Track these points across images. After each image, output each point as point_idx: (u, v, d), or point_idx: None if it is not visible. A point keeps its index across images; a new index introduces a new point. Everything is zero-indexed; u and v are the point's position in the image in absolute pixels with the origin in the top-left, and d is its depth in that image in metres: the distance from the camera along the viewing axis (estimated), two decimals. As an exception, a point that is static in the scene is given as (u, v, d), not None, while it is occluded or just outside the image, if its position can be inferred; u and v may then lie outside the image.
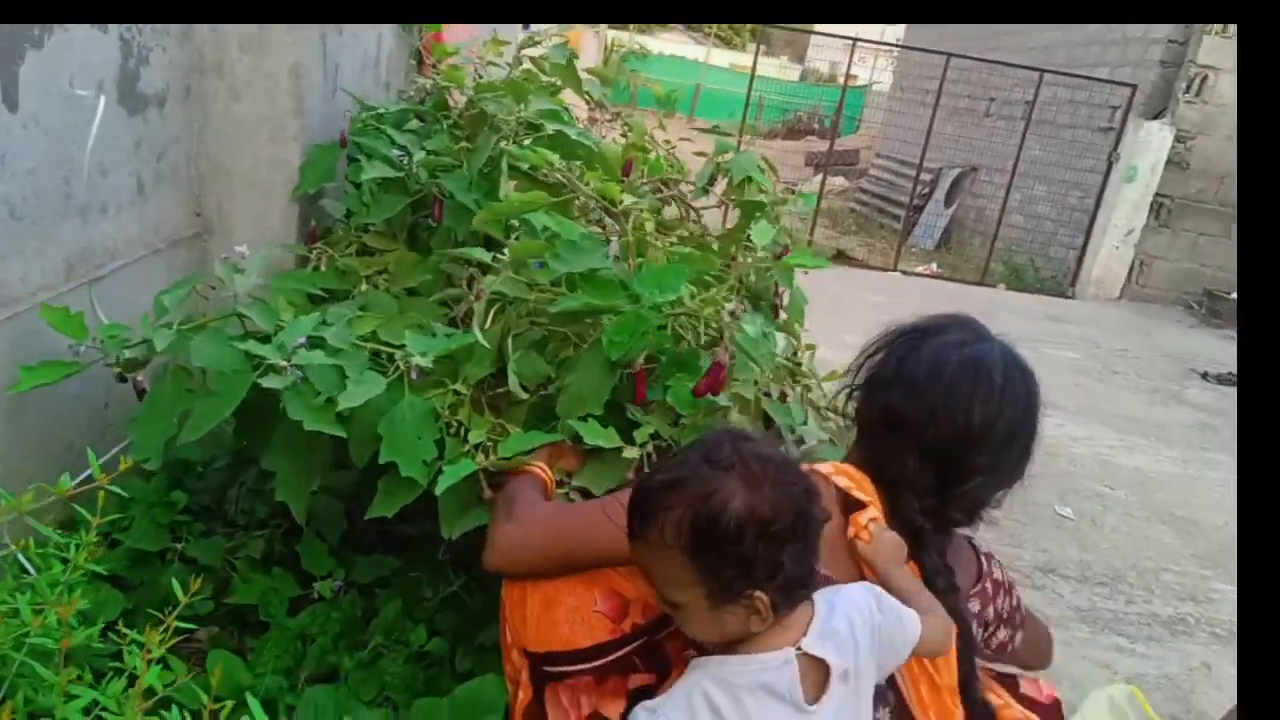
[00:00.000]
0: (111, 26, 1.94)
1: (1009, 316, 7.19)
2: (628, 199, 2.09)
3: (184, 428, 1.69)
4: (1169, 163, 9.48)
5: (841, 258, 10.17)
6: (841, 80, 13.07)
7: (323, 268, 2.24)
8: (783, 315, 2.46)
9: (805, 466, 1.51)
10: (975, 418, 1.46)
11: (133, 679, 1.21)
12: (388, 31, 3.13)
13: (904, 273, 10.21)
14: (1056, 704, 2.00)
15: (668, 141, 2.81)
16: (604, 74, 3.09)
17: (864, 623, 1.25)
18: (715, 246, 2.45)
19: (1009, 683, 2.01)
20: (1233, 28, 8.78)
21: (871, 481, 1.50)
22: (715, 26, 32.57)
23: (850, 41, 10.88)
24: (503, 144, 2.30)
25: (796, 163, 15.52)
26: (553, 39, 2.77)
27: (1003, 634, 1.75)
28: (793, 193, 2.97)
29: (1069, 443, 5.06)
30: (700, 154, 2.63)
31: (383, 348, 1.77)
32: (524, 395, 1.82)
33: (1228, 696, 2.92)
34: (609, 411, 1.74)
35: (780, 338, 2.21)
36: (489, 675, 1.70)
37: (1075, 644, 3.11)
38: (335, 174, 2.49)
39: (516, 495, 1.59)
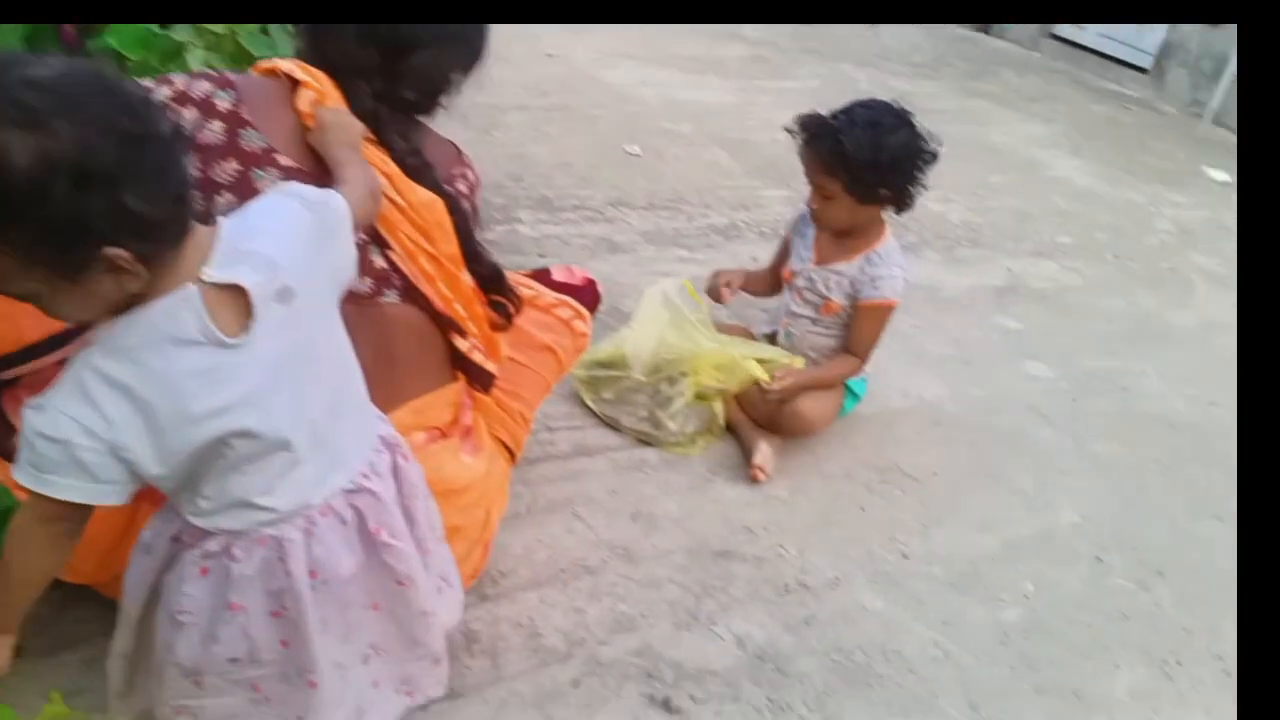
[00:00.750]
0: None
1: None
2: None
3: None
4: None
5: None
6: None
7: None
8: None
9: (263, 66, 1.40)
10: None
11: None
12: None
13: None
14: (591, 283, 2.15)
15: None
16: None
17: (292, 230, 1.15)
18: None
19: (540, 275, 2.11)
20: None
21: (328, 77, 1.44)
22: None
23: None
24: None
25: None
26: None
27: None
28: None
29: (639, 88, 5.21)
30: None
31: None
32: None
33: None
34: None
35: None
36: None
37: (643, 262, 3.35)
38: None
39: None
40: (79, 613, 1.57)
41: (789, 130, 2.35)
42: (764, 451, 2.35)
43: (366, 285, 1.53)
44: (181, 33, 1.50)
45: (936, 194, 4.59)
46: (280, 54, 1.71)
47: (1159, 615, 2.11)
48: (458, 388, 1.72)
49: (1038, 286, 3.75)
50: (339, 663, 1.29)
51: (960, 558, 2.19)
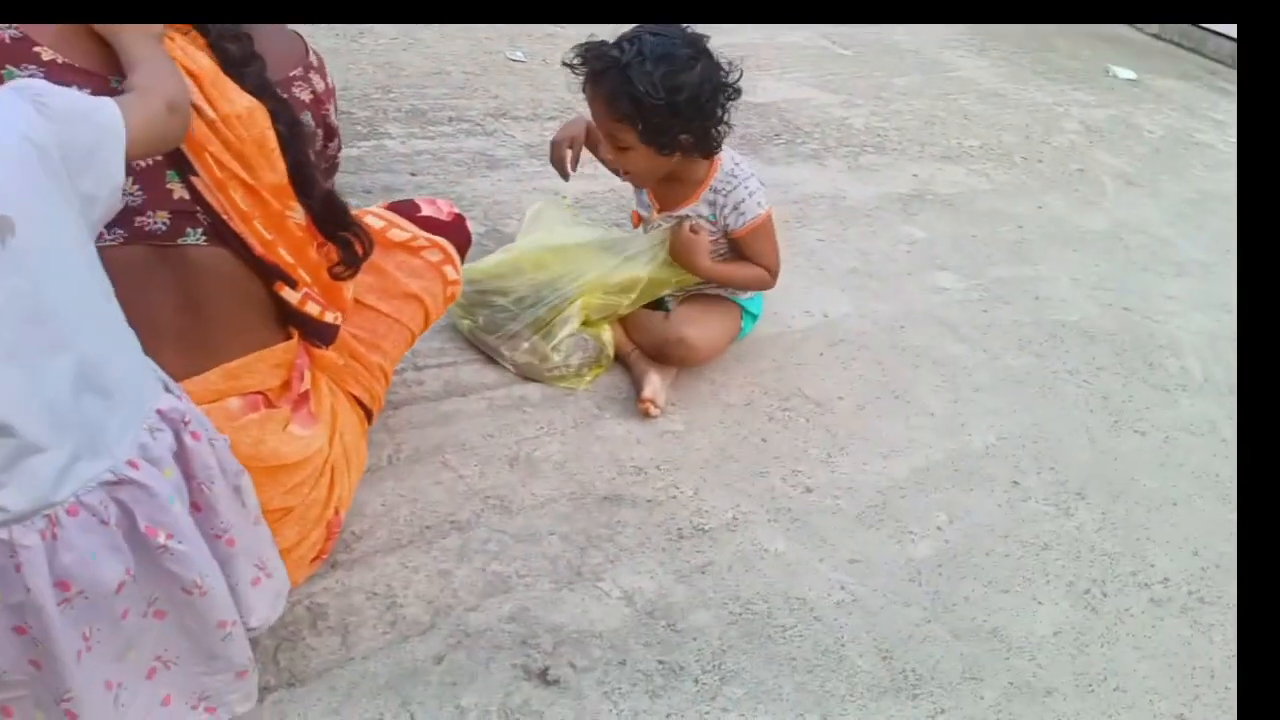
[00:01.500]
0: None
1: None
2: None
3: None
4: None
5: None
6: None
7: None
8: None
9: None
10: None
11: None
12: None
13: None
14: (460, 220, 1.89)
15: None
16: None
17: (17, 143, 0.88)
18: None
19: (405, 207, 1.84)
20: None
21: None
22: None
23: None
24: None
25: None
26: None
27: (334, 146, 1.52)
28: None
29: (523, -9, 4.83)
30: None
31: None
32: None
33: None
34: None
35: None
36: None
37: (525, 178, 3.07)
38: None
39: None
40: None
41: (566, 64, 2.04)
42: (654, 383, 2.13)
43: (161, 222, 1.24)
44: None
45: (840, 99, 4.38)
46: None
47: (1081, 542, 1.97)
48: (289, 346, 1.45)
49: (945, 193, 3.57)
50: (115, 682, 1.05)
51: (868, 488, 2.02)
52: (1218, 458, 2.32)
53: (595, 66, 1.97)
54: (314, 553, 1.54)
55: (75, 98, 0.95)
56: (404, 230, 1.75)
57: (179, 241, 1.26)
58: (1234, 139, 4.68)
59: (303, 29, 1.47)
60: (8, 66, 1.12)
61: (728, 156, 2.17)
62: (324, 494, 1.50)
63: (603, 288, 2.17)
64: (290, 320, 1.45)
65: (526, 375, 2.18)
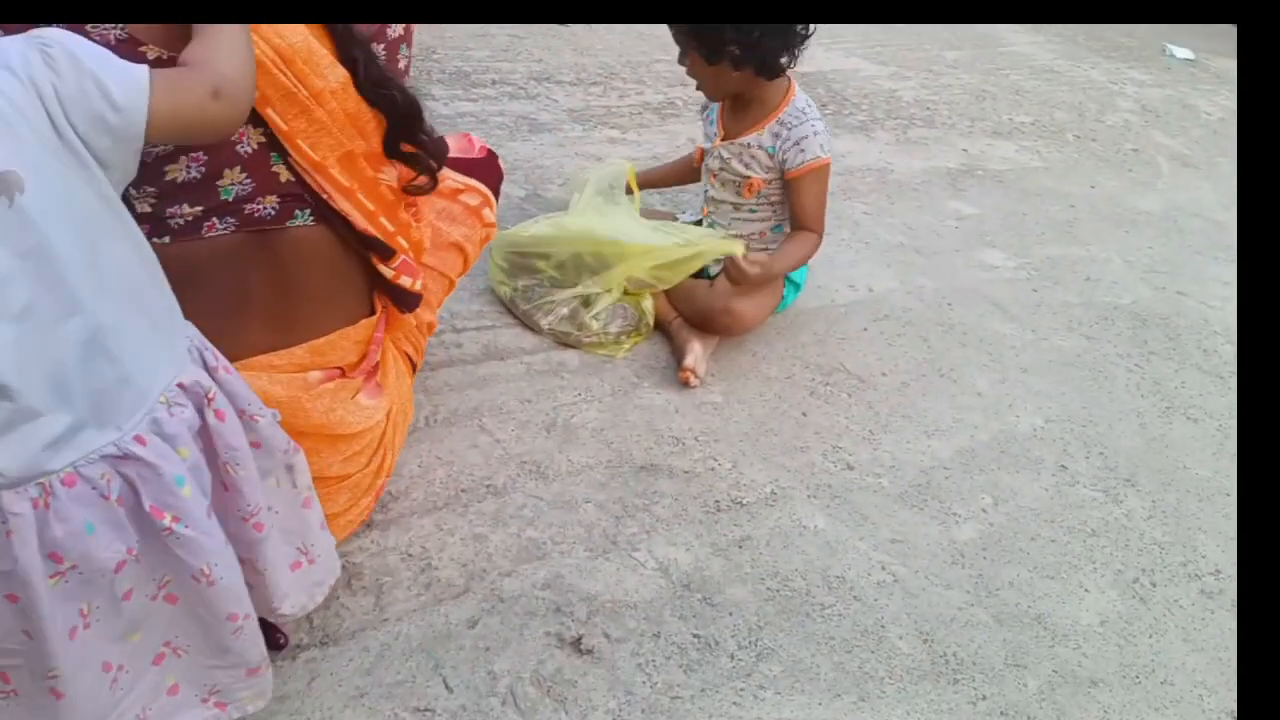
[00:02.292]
0: None
1: None
2: None
3: None
4: None
5: None
6: None
7: None
8: None
9: None
10: None
11: None
12: None
13: None
14: (492, 156, 1.87)
15: None
16: None
17: (17, 95, 0.83)
18: None
19: None
20: None
21: None
22: None
23: None
24: None
25: None
26: None
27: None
28: None
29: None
30: None
31: None
32: None
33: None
34: None
35: None
36: None
37: (568, 143, 3.03)
38: None
39: None
40: None
41: None
42: (696, 353, 2.09)
43: (270, 207, 1.22)
44: None
45: (889, 71, 4.29)
46: None
47: (1130, 530, 1.91)
48: (370, 322, 1.44)
49: (995, 169, 3.48)
50: (116, 664, 1.01)
51: (911, 468, 1.97)
52: (1272, 449, 2.25)
53: None
54: (362, 518, 1.53)
55: (96, 54, 0.89)
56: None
57: (288, 225, 1.24)
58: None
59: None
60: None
61: (802, 97, 2.16)
62: (377, 464, 1.50)
63: (648, 263, 2.13)
64: (380, 292, 1.44)
65: (563, 342, 2.15)
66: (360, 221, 1.29)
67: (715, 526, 1.74)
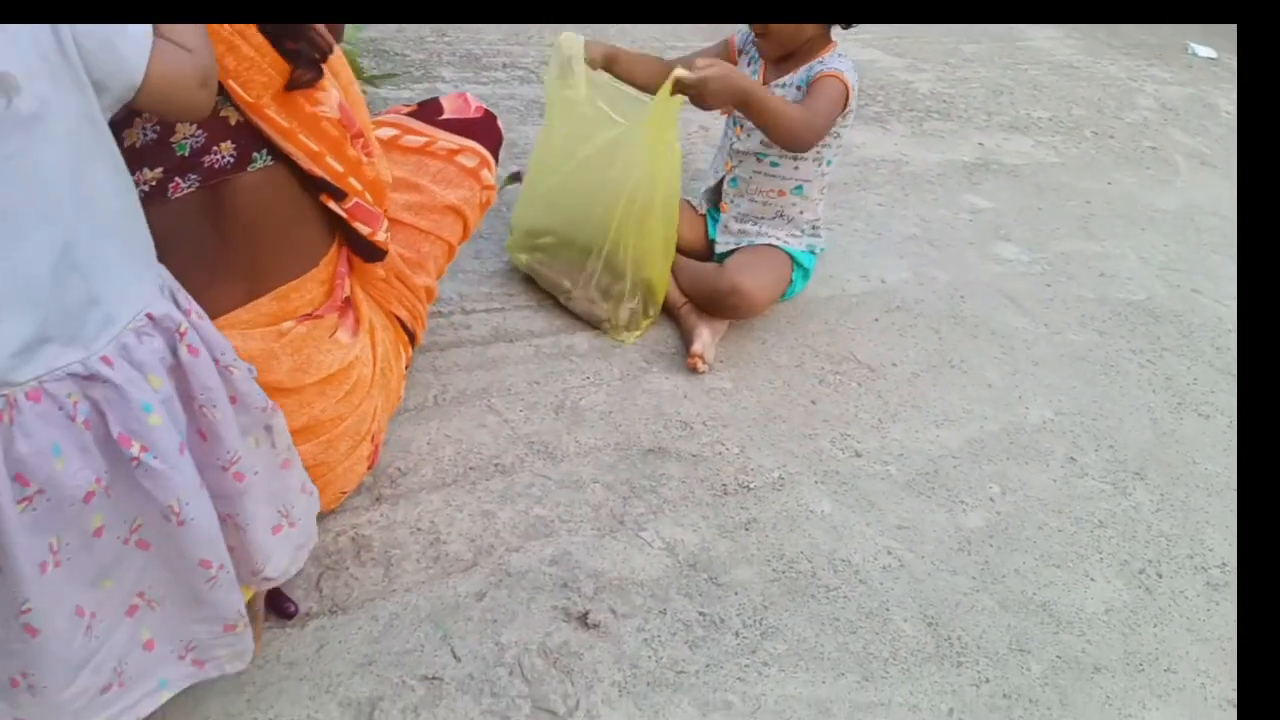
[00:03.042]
0: None
1: None
2: None
3: None
4: None
5: None
6: None
7: None
8: None
9: None
10: None
11: None
12: None
13: None
14: (488, 115, 1.84)
15: None
16: None
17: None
18: None
19: (428, 108, 1.79)
20: None
21: None
22: None
23: None
24: None
25: None
26: None
27: None
28: None
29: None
30: None
31: None
32: None
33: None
34: None
35: None
36: None
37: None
38: None
39: None
40: None
41: None
42: (704, 338, 2.10)
43: (228, 155, 1.22)
44: None
45: (905, 63, 4.28)
46: None
47: (1137, 521, 1.91)
48: (332, 256, 1.41)
49: (1011, 163, 3.48)
50: (88, 611, 1.00)
51: (919, 456, 1.97)
52: (1283, 446, 2.24)
53: None
54: (363, 465, 1.53)
55: None
56: (419, 135, 1.70)
57: (249, 169, 1.23)
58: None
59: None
60: None
61: (840, 48, 2.16)
62: (371, 408, 1.49)
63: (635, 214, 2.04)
64: (339, 234, 1.42)
65: (584, 321, 2.17)
66: (305, 162, 1.27)
67: (722, 509, 1.75)
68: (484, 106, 1.84)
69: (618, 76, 2.10)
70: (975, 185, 3.24)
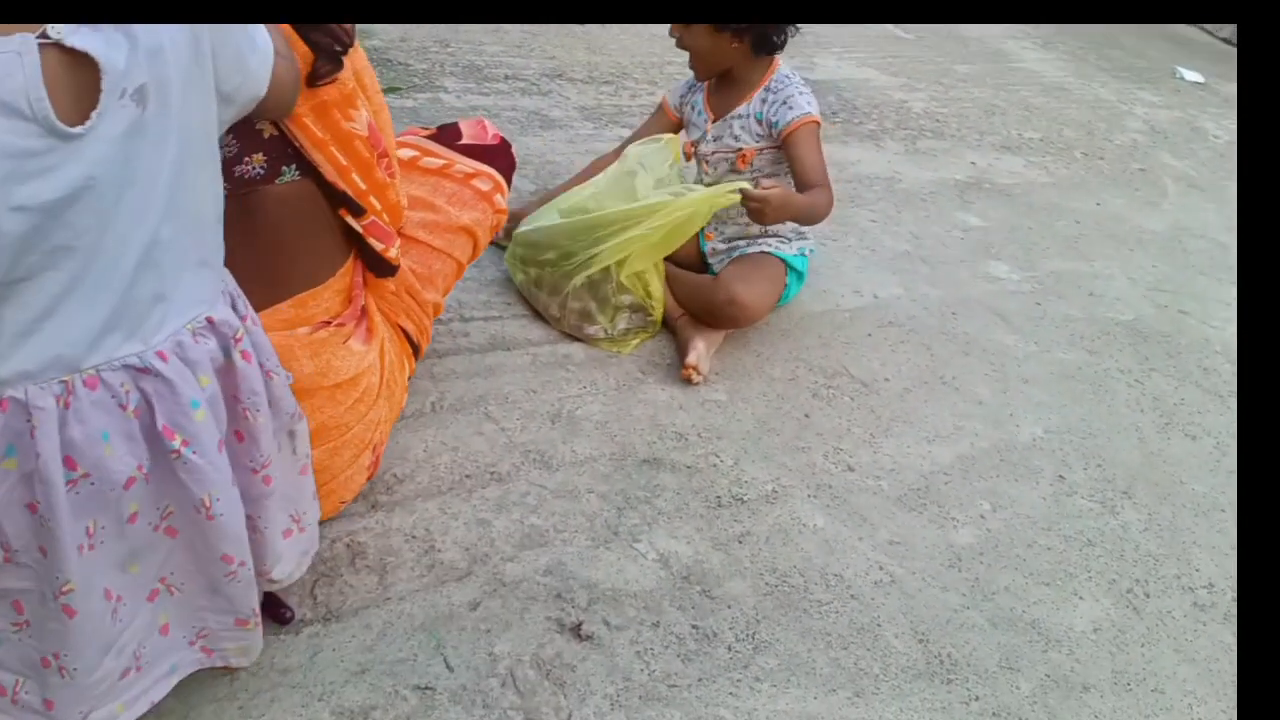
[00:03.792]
0: None
1: None
2: None
3: None
4: None
5: None
6: None
7: None
8: None
9: None
10: None
11: None
12: None
13: None
14: (505, 144, 1.88)
15: None
16: None
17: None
18: None
19: (447, 132, 1.82)
20: None
21: None
22: None
23: None
24: None
25: None
26: None
27: None
28: None
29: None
30: None
31: None
32: None
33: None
34: None
35: None
36: None
37: (579, 140, 3.04)
38: None
39: None
40: None
41: None
42: (699, 350, 2.11)
43: (259, 166, 1.25)
44: None
45: (900, 82, 4.31)
46: None
47: (1125, 541, 1.93)
48: (349, 268, 1.45)
49: (1003, 183, 3.51)
50: (116, 594, 1.02)
51: (911, 472, 1.99)
52: (1269, 468, 2.27)
53: None
54: (364, 475, 1.55)
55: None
56: (439, 158, 1.73)
57: (278, 181, 1.26)
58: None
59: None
60: None
61: (786, 67, 2.20)
62: (377, 417, 1.52)
63: (651, 223, 2.05)
64: (355, 249, 1.46)
65: (573, 336, 2.17)
66: (330, 174, 1.30)
67: (716, 521, 1.76)
68: (500, 134, 1.88)
69: None
70: (967, 204, 3.27)
